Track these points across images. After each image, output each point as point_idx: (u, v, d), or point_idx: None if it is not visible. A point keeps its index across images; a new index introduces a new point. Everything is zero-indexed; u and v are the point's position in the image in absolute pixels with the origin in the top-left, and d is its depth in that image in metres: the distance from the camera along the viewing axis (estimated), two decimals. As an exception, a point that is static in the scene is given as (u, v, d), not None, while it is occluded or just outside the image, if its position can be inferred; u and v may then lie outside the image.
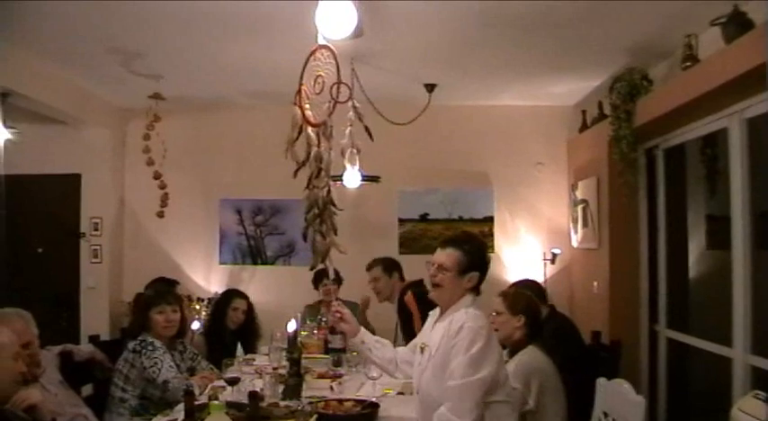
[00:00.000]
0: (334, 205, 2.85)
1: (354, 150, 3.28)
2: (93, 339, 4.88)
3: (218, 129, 7.55)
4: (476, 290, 3.31)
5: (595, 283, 6.35)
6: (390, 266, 5.77)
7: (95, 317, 7.12)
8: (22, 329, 3.39)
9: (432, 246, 3.50)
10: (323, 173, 2.76)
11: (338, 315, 3.71)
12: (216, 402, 2.27)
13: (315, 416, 2.84)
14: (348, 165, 3.60)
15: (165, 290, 4.61)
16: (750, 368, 4.33)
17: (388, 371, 3.76)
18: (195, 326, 4.74)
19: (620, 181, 5.65)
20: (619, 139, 5.57)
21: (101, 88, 6.80)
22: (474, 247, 3.31)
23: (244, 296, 5.76)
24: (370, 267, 5.90)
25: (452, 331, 3.13)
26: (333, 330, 4.90)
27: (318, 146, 2.77)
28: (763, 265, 4.33)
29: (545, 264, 7.15)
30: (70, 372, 3.94)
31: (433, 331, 3.35)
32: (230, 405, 2.49)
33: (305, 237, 2.84)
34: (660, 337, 5.77)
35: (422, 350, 3.40)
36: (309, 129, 2.87)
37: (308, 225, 2.81)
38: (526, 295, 4.16)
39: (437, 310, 3.46)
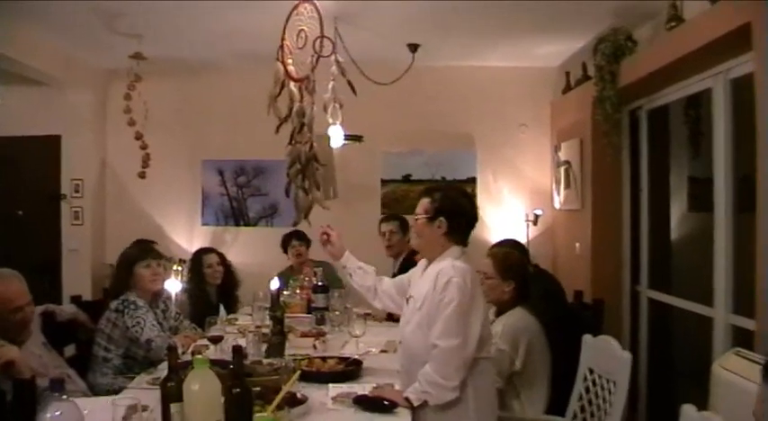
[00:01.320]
0: (317, 161, 2.83)
1: (337, 105, 3.26)
2: (75, 299, 4.85)
3: (201, 90, 7.48)
4: (460, 240, 3.32)
5: (577, 245, 6.37)
6: (405, 226, 5.78)
7: (77, 279, 7.09)
8: (20, 290, 3.39)
9: (414, 206, 3.51)
10: (305, 128, 2.73)
11: (325, 236, 3.75)
12: (200, 356, 2.27)
13: (298, 373, 2.84)
14: (331, 122, 3.58)
15: (148, 246, 4.59)
16: (731, 327, 4.37)
17: (367, 298, 3.79)
18: (177, 287, 4.72)
19: (604, 142, 5.66)
20: (603, 101, 5.57)
21: (82, 49, 6.71)
22: (444, 194, 3.33)
23: (212, 250, 5.78)
24: (386, 219, 5.96)
25: (439, 285, 3.13)
26: (316, 289, 4.91)
27: (301, 101, 2.75)
28: (744, 228, 4.35)
29: (527, 225, 7.16)
30: (52, 333, 3.92)
31: (420, 281, 3.37)
32: (214, 362, 2.48)
33: (287, 193, 2.82)
34: (642, 298, 5.82)
35: (407, 300, 3.42)
36: (292, 85, 2.85)
37: (290, 181, 2.79)
38: (516, 257, 4.16)
39: (423, 262, 3.47)
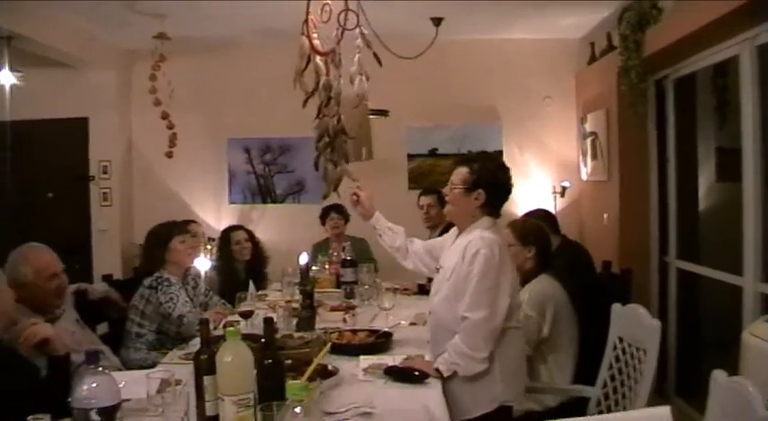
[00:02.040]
0: (345, 133, 2.84)
1: (363, 78, 3.25)
2: (106, 278, 4.91)
3: (225, 69, 7.49)
4: (493, 212, 3.32)
5: (605, 216, 6.35)
6: (443, 200, 5.80)
7: (107, 259, 7.18)
8: (52, 259, 3.48)
9: (441, 181, 3.52)
10: (332, 101, 2.74)
11: (355, 197, 3.78)
12: (231, 328, 2.29)
13: (329, 345, 2.87)
14: (360, 100, 3.59)
15: (183, 222, 4.65)
16: (760, 296, 4.35)
17: (397, 257, 3.81)
18: (207, 266, 4.77)
19: (630, 112, 5.61)
20: (628, 70, 5.51)
21: (105, 30, 6.72)
22: (482, 165, 3.30)
23: (240, 227, 5.82)
24: (426, 193, 6.02)
25: (468, 257, 3.14)
26: (344, 264, 4.93)
27: (327, 75, 2.75)
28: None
29: (555, 197, 7.17)
30: (85, 311, 3.98)
31: (449, 252, 3.39)
32: (245, 337, 2.50)
33: (316, 166, 2.83)
34: (670, 268, 5.79)
35: (437, 270, 3.44)
36: (317, 59, 2.85)
37: (319, 154, 2.81)
38: (535, 225, 4.18)
39: (454, 231, 3.48)
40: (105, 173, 7.39)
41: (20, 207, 7.28)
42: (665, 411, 1.92)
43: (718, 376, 2.15)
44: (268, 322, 2.43)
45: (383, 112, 6.13)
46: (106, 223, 7.41)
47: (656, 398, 5.27)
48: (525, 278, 3.89)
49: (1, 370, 2.56)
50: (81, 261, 7.10)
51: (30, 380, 2.60)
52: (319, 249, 5.90)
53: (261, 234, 6.16)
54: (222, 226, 6.55)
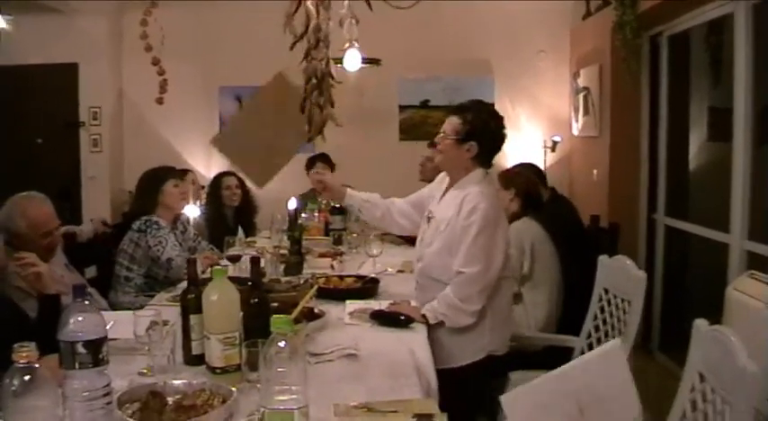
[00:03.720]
0: (332, 77, 2.82)
1: (353, 21, 3.22)
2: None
3: (217, 16, 7.38)
4: (485, 163, 3.29)
5: (595, 171, 6.36)
6: None
7: (97, 206, 7.15)
8: (50, 214, 3.47)
9: (432, 132, 3.49)
10: (321, 44, 2.72)
11: (320, 184, 3.76)
12: (218, 267, 2.31)
13: (315, 288, 2.88)
14: (347, 36, 3.54)
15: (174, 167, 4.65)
16: (746, 253, 4.39)
17: (383, 228, 3.82)
18: (196, 212, 4.78)
19: (623, 68, 5.60)
20: (622, 26, 5.49)
21: (96, -26, 6.66)
22: (476, 116, 3.24)
23: (231, 173, 5.78)
24: (431, 145, 5.88)
25: (465, 211, 3.13)
26: (333, 211, 4.94)
27: (317, 18, 2.73)
28: (762, 158, 4.34)
29: (545, 151, 7.17)
30: (74, 255, 3.98)
31: (442, 203, 3.36)
32: (232, 279, 2.52)
33: (302, 109, 2.82)
34: (658, 225, 5.82)
35: (428, 219, 3.42)
36: (308, 2, 2.83)
37: (305, 97, 2.79)
38: (520, 173, 4.22)
39: (441, 179, 3.47)
40: (95, 119, 7.34)
41: (9, 152, 7.26)
42: (614, 343, 1.94)
43: (701, 325, 2.17)
44: (254, 262, 2.45)
45: (375, 61, 6.08)
46: (96, 169, 7.38)
47: (641, 353, 5.37)
48: (510, 221, 3.89)
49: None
50: (70, 207, 7.10)
51: (20, 325, 2.62)
52: (305, 199, 5.86)
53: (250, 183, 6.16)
54: (212, 173, 6.53)
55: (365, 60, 5.58)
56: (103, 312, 2.06)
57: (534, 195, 4.12)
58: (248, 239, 5.08)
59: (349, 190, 3.77)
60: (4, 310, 2.71)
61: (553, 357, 3.38)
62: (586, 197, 6.48)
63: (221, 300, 2.25)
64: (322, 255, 4.39)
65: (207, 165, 7.47)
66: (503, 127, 3.32)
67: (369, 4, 2.95)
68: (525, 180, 4.09)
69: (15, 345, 1.58)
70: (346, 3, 3.17)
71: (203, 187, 6.13)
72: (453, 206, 3.21)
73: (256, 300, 2.36)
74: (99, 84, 7.34)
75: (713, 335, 2.06)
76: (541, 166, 6.51)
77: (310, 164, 6.16)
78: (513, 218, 3.95)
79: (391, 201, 3.74)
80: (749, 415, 1.80)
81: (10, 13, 5.94)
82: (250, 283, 2.49)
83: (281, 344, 1.68)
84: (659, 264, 5.79)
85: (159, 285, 4.10)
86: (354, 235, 4.71)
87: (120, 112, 7.62)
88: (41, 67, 7.21)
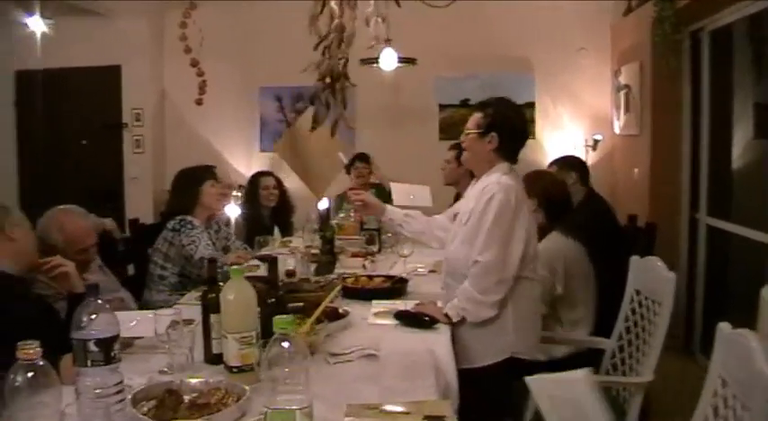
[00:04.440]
0: (347, 78, 2.81)
1: (380, 19, 3.21)
2: (133, 222, 4.98)
3: (257, 16, 7.43)
4: (509, 157, 3.27)
5: (636, 170, 6.27)
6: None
7: (139, 206, 7.23)
8: (85, 231, 3.50)
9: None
10: (343, 44, 2.71)
11: (359, 202, 3.75)
12: (236, 267, 2.31)
13: (339, 287, 2.88)
14: (372, 34, 3.53)
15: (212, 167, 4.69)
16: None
17: (423, 242, 3.80)
18: (237, 212, 4.82)
19: (663, 65, 5.51)
20: (662, 21, 5.40)
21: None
22: (495, 109, 3.26)
23: (269, 173, 5.83)
24: (451, 148, 5.78)
25: (482, 201, 3.12)
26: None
27: (341, 17, 2.72)
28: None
29: (586, 150, 7.10)
30: (111, 253, 4.03)
31: (466, 198, 3.39)
32: (258, 279, 2.52)
33: (312, 101, 2.81)
34: (700, 225, 5.71)
35: (455, 217, 3.44)
36: (332, 2, 2.82)
37: (317, 93, 2.79)
38: (545, 178, 4.10)
39: (474, 182, 3.46)
40: (138, 120, 7.46)
41: (53, 154, 7.40)
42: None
43: (724, 328, 2.12)
44: (272, 263, 2.45)
45: (411, 60, 6.06)
46: (138, 170, 7.50)
47: (682, 355, 5.29)
48: (539, 236, 3.83)
49: (21, 303, 2.62)
50: (113, 209, 7.20)
51: (53, 323, 2.65)
52: (342, 198, 5.87)
53: (290, 182, 6.17)
54: (252, 173, 6.59)
55: (401, 59, 5.59)
56: (129, 312, 2.08)
57: (558, 200, 3.93)
58: (284, 239, 5.10)
59: (388, 206, 3.80)
60: (37, 310, 2.74)
61: (582, 366, 3.34)
62: (628, 196, 6.40)
63: (238, 300, 2.25)
64: (355, 255, 4.39)
65: (247, 164, 7.54)
66: (524, 120, 3.40)
67: (398, 3, 2.93)
68: (543, 185, 3.89)
69: (19, 343, 1.60)
70: (372, 2, 3.16)
71: (242, 186, 6.18)
72: (473, 198, 3.23)
73: (273, 299, 2.36)
74: (141, 85, 7.46)
75: (734, 339, 2.02)
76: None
77: (351, 161, 6.19)
78: (539, 231, 3.86)
79: (432, 217, 3.76)
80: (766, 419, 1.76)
81: (51, 17, 6.01)
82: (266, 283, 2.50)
83: (285, 344, 1.67)
84: (701, 264, 5.68)
85: (192, 284, 4.13)
86: (389, 234, 4.69)
87: (161, 113, 7.72)
88: (85, 69, 7.35)
